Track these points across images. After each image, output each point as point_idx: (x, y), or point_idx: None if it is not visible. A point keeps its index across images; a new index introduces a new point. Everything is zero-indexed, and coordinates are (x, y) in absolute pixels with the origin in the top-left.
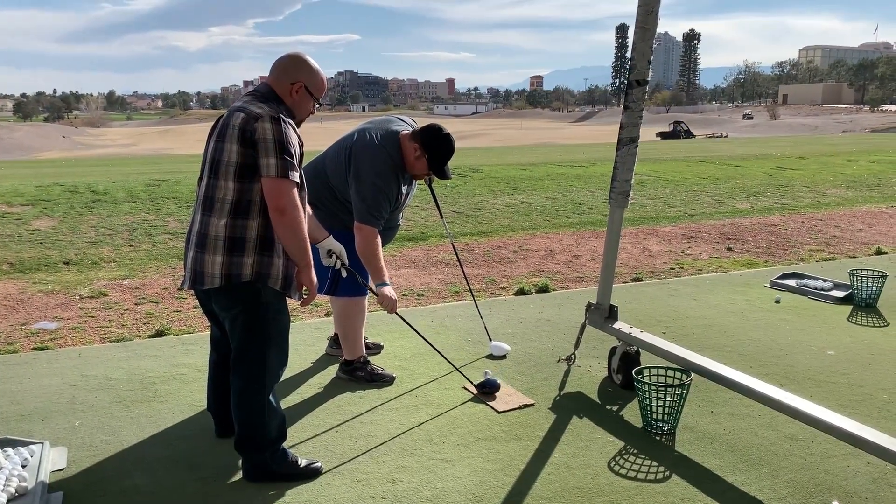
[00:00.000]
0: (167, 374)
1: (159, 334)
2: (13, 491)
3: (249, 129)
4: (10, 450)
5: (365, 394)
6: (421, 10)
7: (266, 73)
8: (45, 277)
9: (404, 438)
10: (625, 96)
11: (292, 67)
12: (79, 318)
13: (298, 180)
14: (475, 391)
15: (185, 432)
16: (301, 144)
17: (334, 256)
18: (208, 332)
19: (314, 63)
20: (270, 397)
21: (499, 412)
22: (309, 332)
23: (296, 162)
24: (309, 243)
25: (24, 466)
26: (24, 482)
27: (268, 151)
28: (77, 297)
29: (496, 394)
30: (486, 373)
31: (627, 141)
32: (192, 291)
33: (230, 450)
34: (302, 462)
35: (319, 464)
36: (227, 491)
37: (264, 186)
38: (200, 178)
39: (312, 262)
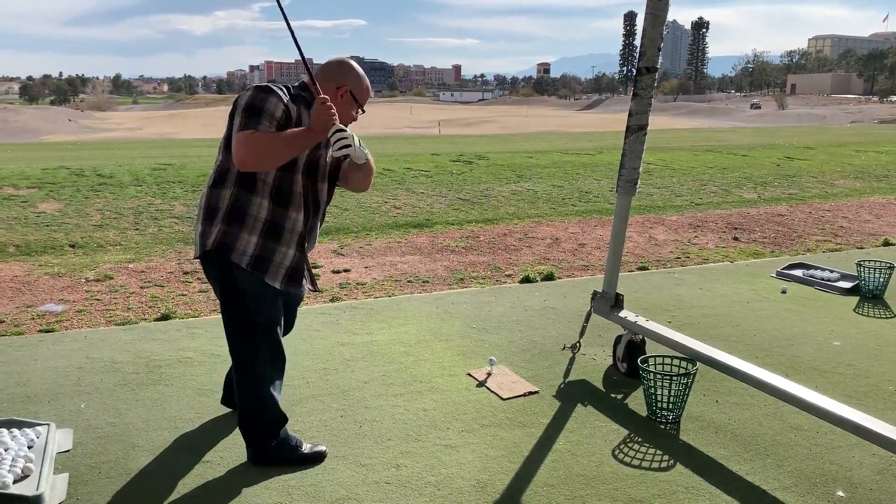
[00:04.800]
0: (172, 357)
1: (165, 318)
2: (19, 472)
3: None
4: (16, 431)
5: (369, 379)
6: None
7: (272, 58)
8: (52, 260)
9: (408, 424)
10: (634, 83)
11: (339, 71)
12: (85, 300)
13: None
14: (480, 379)
15: (190, 416)
16: (287, 112)
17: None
18: (213, 316)
19: (360, 69)
20: (270, 389)
21: (503, 399)
22: (314, 317)
23: (265, 120)
24: (291, 136)
25: (30, 447)
26: (31, 463)
27: (237, 116)
28: (83, 280)
29: (501, 381)
30: (490, 360)
31: (636, 128)
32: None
33: (235, 434)
34: (306, 447)
35: (324, 448)
36: (232, 475)
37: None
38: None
39: (302, 133)
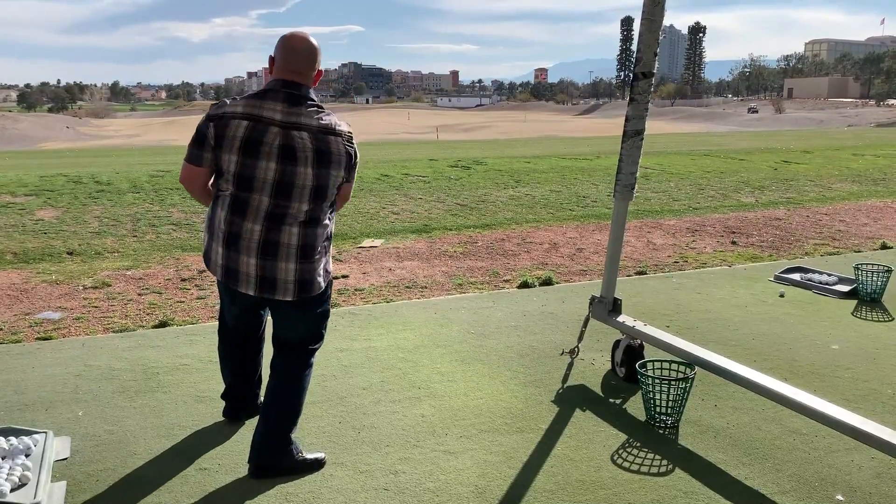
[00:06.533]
0: (170, 364)
1: (162, 325)
2: (17, 480)
3: (349, 153)
4: (13, 439)
5: (368, 385)
6: (424, 0)
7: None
8: (49, 267)
9: (407, 430)
10: (631, 88)
11: (319, 56)
12: (82, 308)
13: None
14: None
15: (188, 423)
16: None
17: None
18: (211, 323)
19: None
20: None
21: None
22: None
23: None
24: None
25: (27, 456)
26: (28, 471)
27: (353, 169)
28: (81, 288)
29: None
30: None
31: (633, 133)
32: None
33: (233, 441)
34: (306, 455)
35: (323, 455)
36: (230, 482)
37: (346, 191)
38: (264, 198)
39: None
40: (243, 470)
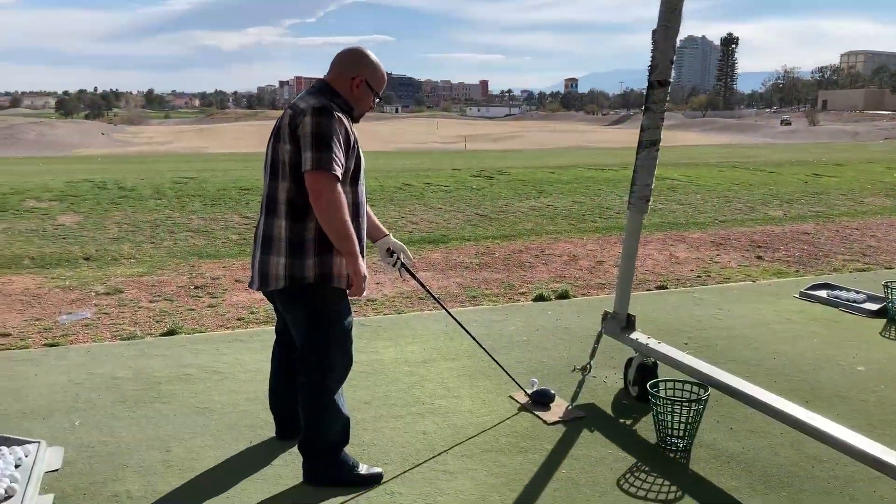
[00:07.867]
0: (173, 374)
1: (170, 333)
2: (2, 492)
3: (294, 125)
4: (4, 449)
5: (370, 400)
6: (452, 10)
7: (300, 73)
8: (64, 273)
9: (407, 448)
10: (646, 97)
11: (353, 62)
12: (92, 314)
13: (339, 172)
14: (522, 401)
15: (185, 435)
16: (350, 136)
17: (395, 255)
18: (219, 332)
19: (374, 57)
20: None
21: (548, 424)
22: None
23: (338, 154)
24: (352, 232)
25: (17, 466)
26: (15, 483)
27: (305, 146)
28: (93, 294)
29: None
30: (532, 382)
31: (648, 144)
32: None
33: (227, 454)
34: (363, 469)
35: (380, 470)
36: (222, 498)
37: (305, 181)
38: (265, 181)
39: (358, 252)
40: (236, 486)
